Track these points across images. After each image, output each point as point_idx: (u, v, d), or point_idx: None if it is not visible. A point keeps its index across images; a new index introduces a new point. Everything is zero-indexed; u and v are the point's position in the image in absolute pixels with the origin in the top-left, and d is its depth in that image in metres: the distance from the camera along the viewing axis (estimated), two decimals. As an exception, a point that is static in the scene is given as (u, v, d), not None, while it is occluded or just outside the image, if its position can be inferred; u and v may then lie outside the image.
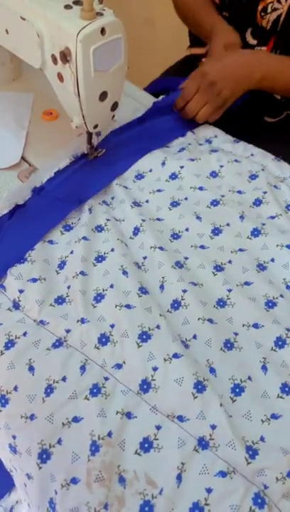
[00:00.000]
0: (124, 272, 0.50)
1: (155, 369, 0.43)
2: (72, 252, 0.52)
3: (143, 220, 0.57)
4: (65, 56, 0.51)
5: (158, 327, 0.46)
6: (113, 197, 0.61)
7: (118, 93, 0.58)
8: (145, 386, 0.43)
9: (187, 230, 0.57)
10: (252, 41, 0.78)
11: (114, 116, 0.61)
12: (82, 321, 0.46)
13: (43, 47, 0.54)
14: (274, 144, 0.80)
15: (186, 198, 0.61)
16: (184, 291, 0.50)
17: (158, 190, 0.62)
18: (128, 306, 0.47)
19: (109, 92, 0.56)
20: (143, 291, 0.49)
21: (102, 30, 0.50)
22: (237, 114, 0.74)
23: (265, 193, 0.61)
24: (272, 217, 0.59)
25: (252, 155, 0.68)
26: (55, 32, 0.52)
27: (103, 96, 0.56)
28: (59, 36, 0.52)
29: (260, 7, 0.74)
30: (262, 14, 0.74)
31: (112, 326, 0.46)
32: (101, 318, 0.46)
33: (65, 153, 0.66)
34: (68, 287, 0.49)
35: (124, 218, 0.58)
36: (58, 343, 0.45)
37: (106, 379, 0.43)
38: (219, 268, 0.53)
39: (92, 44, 0.50)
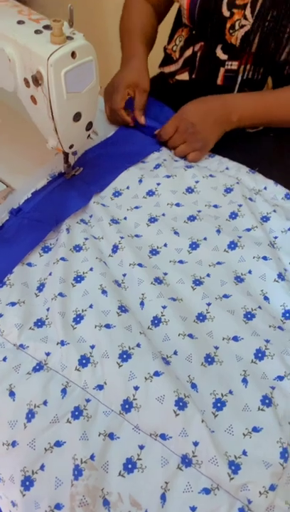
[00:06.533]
0: (104, 292, 0.50)
1: (136, 388, 0.43)
2: (50, 274, 0.52)
3: (122, 238, 0.57)
4: (37, 80, 0.52)
5: (138, 345, 0.46)
6: (91, 215, 0.61)
7: (92, 113, 0.59)
8: (127, 406, 0.43)
9: (165, 245, 0.58)
10: (223, 56, 0.80)
11: (89, 135, 0.62)
12: (62, 343, 0.46)
13: (15, 71, 0.55)
14: (252, 153, 0.82)
15: (163, 214, 0.61)
16: (164, 307, 0.50)
17: (136, 207, 0.62)
18: (107, 326, 0.47)
19: (82, 112, 0.57)
20: (122, 309, 0.49)
21: (73, 54, 0.51)
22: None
23: (240, 206, 0.62)
24: (248, 230, 0.60)
25: (227, 168, 0.69)
26: (26, 56, 0.53)
27: (77, 117, 0.57)
28: (30, 61, 0.52)
29: (228, 25, 0.76)
30: (231, 32, 0.76)
31: (92, 347, 0.46)
32: (81, 340, 0.46)
33: (42, 173, 0.66)
34: (47, 309, 0.49)
35: (102, 236, 0.58)
36: (38, 367, 0.45)
37: (88, 401, 0.43)
38: (198, 282, 0.54)
39: (63, 67, 0.51)
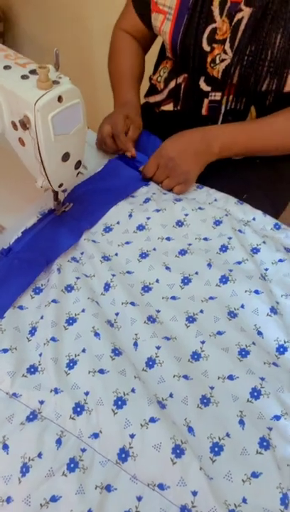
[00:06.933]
0: (96, 334, 0.50)
1: (132, 436, 0.42)
2: (42, 318, 0.51)
3: (114, 275, 0.57)
4: (24, 124, 0.52)
5: (133, 391, 0.45)
6: (82, 252, 0.61)
7: (80, 152, 0.60)
8: (123, 455, 0.42)
9: (157, 281, 0.58)
10: (206, 88, 0.82)
11: (78, 173, 0.63)
12: (56, 391, 0.45)
13: (2, 115, 0.55)
14: (240, 180, 0.83)
15: (154, 249, 0.62)
16: (158, 347, 0.50)
17: (127, 243, 0.62)
18: (101, 371, 0.46)
19: (71, 152, 0.58)
20: (116, 352, 0.48)
21: (59, 98, 0.52)
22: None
23: (230, 238, 0.63)
24: (239, 263, 0.60)
25: (216, 200, 0.70)
26: (13, 101, 0.53)
27: (65, 157, 0.57)
28: (17, 105, 0.53)
29: (209, 59, 0.77)
30: (212, 65, 0.78)
31: (86, 394, 0.45)
32: (74, 386, 0.46)
33: (32, 211, 0.66)
34: (40, 355, 0.49)
35: (94, 274, 0.58)
36: (32, 416, 0.44)
37: (84, 450, 0.43)
38: (191, 319, 0.54)
39: (50, 112, 0.51)
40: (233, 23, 0.73)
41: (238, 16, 0.73)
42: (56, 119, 0.52)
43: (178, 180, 0.71)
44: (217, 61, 0.77)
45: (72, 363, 0.48)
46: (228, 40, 0.75)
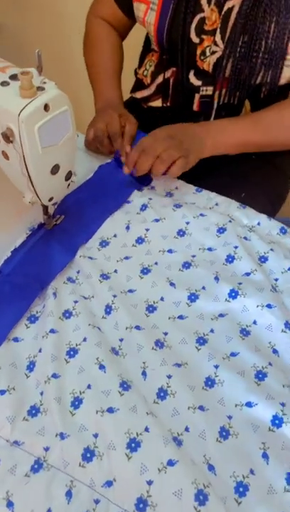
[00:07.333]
0: (101, 366, 0.45)
1: (150, 483, 0.39)
2: (40, 351, 0.47)
3: (114, 296, 0.53)
4: (7, 137, 0.47)
5: (146, 430, 0.41)
6: (78, 271, 0.57)
7: (70, 163, 0.55)
8: (141, 505, 0.38)
9: (162, 299, 0.54)
10: (197, 82, 0.76)
11: (69, 184, 0.57)
12: (62, 436, 0.41)
13: (-18, 127, 0.50)
14: (236, 178, 0.79)
15: (156, 263, 0.57)
16: (169, 376, 0.46)
17: (126, 258, 0.58)
18: (110, 410, 0.42)
19: (60, 164, 0.52)
20: (124, 386, 0.44)
21: (46, 107, 0.46)
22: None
23: (236, 247, 0.59)
24: (247, 274, 0.56)
25: (217, 204, 0.66)
26: (-7, 112, 0.48)
27: (55, 169, 0.52)
28: (-1, 116, 0.47)
29: (198, 51, 0.72)
30: (202, 58, 0.73)
31: (96, 436, 0.41)
32: (82, 428, 0.42)
33: (20, 227, 0.61)
34: (41, 393, 0.44)
35: (93, 295, 0.54)
36: (38, 466, 0.40)
37: (97, 502, 0.39)
38: (201, 340, 0.50)
39: (35, 123, 0.46)
40: (223, 12, 0.68)
41: (228, 4, 0.67)
42: (43, 130, 0.47)
43: (181, 151, 0.61)
44: (208, 53, 0.72)
45: (77, 402, 0.43)
46: (218, 30, 0.69)
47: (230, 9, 0.68)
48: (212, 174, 0.77)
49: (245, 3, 0.65)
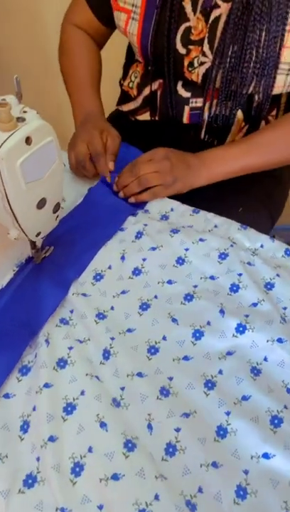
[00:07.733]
0: (102, 424, 0.41)
1: None
2: (34, 409, 0.42)
3: (112, 338, 0.49)
4: (-14, 174, 0.42)
5: (156, 497, 0.37)
6: (72, 310, 0.52)
7: (58, 195, 0.50)
8: None
9: (164, 338, 0.50)
10: (186, 94, 0.73)
11: (58, 216, 0.53)
12: (62, 511, 0.37)
13: None
14: (234, 191, 0.75)
15: (156, 297, 0.53)
16: (177, 430, 0.42)
17: (123, 292, 0.54)
18: (115, 477, 0.38)
19: (47, 197, 0.48)
20: (129, 446, 0.40)
21: (27, 140, 0.42)
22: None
23: (240, 275, 0.55)
24: (255, 305, 0.52)
25: (216, 226, 0.62)
26: None
27: (41, 203, 0.48)
28: (-25, 152, 0.43)
29: (186, 62, 0.68)
30: (190, 69, 0.69)
31: (100, 508, 0.37)
32: (85, 500, 0.37)
33: (7, 264, 0.56)
34: (37, 459, 0.40)
35: (89, 337, 0.49)
36: None
37: None
38: (210, 384, 0.46)
39: (17, 158, 0.41)
40: (210, 21, 0.64)
41: (215, 12, 0.63)
42: (26, 165, 0.42)
43: (165, 180, 0.62)
44: (196, 64, 0.68)
45: (77, 468, 0.39)
46: (206, 40, 0.65)
47: (217, 18, 0.64)
48: (208, 185, 0.74)
49: (233, 12, 0.61)
